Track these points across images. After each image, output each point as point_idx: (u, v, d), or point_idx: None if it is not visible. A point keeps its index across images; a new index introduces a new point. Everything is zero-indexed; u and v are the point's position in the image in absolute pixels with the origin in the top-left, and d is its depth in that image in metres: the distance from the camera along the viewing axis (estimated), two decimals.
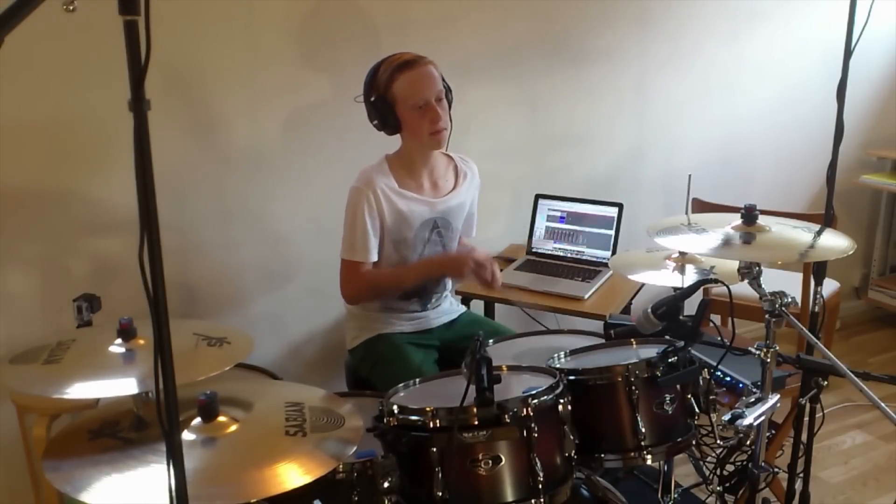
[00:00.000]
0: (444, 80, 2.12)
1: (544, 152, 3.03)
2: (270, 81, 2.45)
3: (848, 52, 2.00)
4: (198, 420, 1.29)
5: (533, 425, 1.43)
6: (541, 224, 2.77)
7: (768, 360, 1.67)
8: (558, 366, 1.72)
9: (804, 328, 1.63)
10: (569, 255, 2.70)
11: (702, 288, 1.74)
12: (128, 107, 0.88)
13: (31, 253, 2.23)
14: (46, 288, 2.27)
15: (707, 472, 2.08)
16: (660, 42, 3.14)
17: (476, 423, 1.41)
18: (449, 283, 2.37)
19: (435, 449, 1.41)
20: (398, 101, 2.07)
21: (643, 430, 1.59)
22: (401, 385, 1.65)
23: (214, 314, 2.52)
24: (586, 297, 2.44)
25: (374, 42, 2.50)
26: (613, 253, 2.62)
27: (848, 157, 3.51)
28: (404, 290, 2.21)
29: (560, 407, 1.50)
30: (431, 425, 1.43)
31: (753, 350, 1.68)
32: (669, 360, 1.63)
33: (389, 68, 2.07)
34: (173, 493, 1.01)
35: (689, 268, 1.94)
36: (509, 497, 1.42)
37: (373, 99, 2.10)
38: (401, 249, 2.18)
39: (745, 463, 1.91)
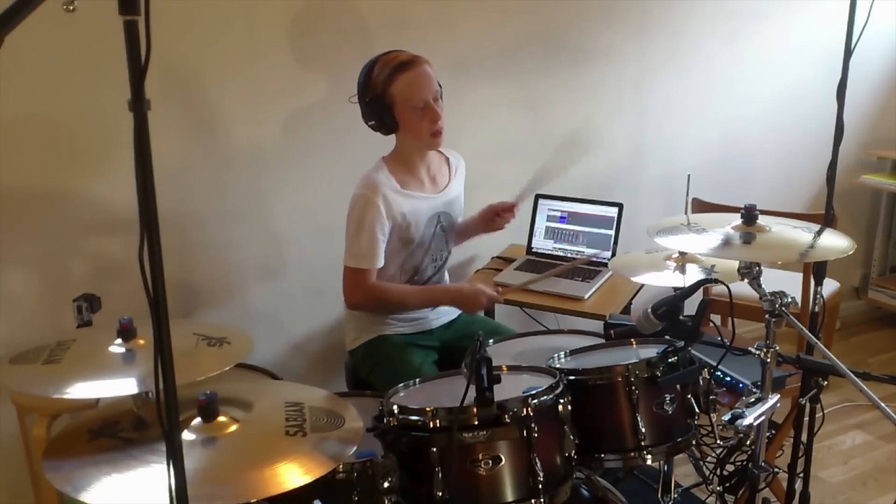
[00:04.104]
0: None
1: (544, 152, 3.03)
2: (270, 81, 2.45)
3: (848, 52, 2.00)
4: (198, 420, 1.29)
5: (533, 425, 1.43)
6: (541, 224, 2.77)
7: (768, 360, 1.67)
8: (558, 366, 1.72)
9: (804, 328, 1.63)
10: (569, 255, 2.70)
11: (702, 288, 1.74)
12: (128, 107, 0.88)
13: (31, 253, 2.23)
14: (46, 288, 2.27)
15: (707, 472, 2.08)
16: (659, 42, 3.14)
17: (476, 423, 1.41)
18: (446, 277, 2.37)
19: (435, 449, 1.41)
20: (397, 102, 2.06)
21: (643, 430, 1.59)
22: (401, 385, 1.65)
23: (215, 314, 2.52)
24: (586, 297, 2.43)
25: (374, 42, 2.49)
26: (613, 253, 2.62)
27: (848, 157, 3.51)
28: (406, 311, 2.21)
29: (560, 407, 1.51)
30: (431, 425, 1.43)
31: (753, 350, 1.68)
32: (669, 360, 1.63)
33: (386, 68, 2.06)
34: (173, 493, 1.01)
35: (689, 268, 1.94)
36: (509, 497, 1.43)
37: (368, 99, 2.08)
38: (408, 247, 2.18)
39: (745, 463, 1.91)
